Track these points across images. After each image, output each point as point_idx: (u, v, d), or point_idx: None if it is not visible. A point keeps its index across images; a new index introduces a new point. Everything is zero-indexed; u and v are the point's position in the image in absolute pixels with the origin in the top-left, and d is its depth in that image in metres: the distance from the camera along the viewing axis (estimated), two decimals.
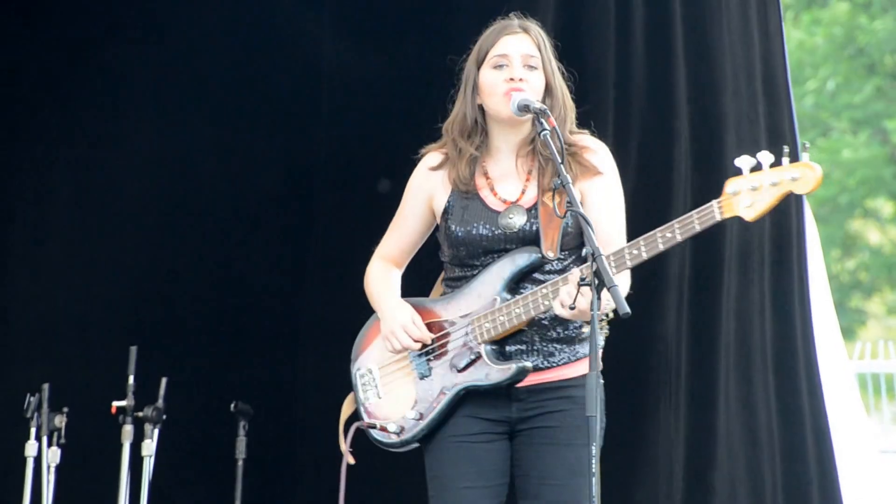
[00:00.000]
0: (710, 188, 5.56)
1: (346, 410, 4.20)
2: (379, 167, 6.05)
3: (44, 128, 6.28)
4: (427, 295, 4.16)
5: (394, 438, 4.01)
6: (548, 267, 3.89)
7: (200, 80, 6.28)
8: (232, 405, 5.56)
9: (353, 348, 4.15)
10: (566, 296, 3.68)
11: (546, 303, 3.78)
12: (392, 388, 4.05)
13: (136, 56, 6.27)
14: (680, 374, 5.55)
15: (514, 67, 3.95)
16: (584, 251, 3.62)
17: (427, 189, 4.07)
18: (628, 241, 3.91)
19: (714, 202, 3.64)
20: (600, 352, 3.90)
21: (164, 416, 5.37)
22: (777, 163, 3.58)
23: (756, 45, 5.68)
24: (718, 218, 3.65)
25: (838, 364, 7.78)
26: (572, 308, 3.66)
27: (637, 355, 5.51)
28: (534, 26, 4.04)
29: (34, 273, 6.25)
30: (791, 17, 19.09)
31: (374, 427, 4.04)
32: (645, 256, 3.69)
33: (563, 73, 4.03)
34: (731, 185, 3.64)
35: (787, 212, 5.64)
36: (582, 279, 3.60)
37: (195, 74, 6.27)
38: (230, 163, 6.32)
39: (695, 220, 3.65)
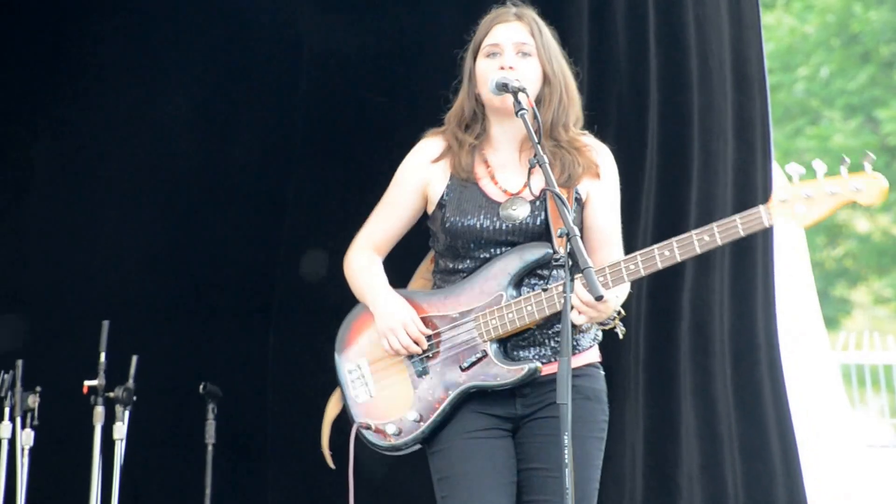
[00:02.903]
0: (674, 176, 5.59)
1: (331, 410, 4.10)
2: (357, 142, 6.01)
3: (11, 100, 6.21)
4: (405, 282, 4.11)
5: (391, 441, 3.93)
6: (552, 263, 3.86)
7: (177, 51, 6.23)
8: (200, 387, 5.48)
9: (336, 340, 4.06)
10: (579, 304, 3.69)
11: (562, 301, 3.69)
12: (385, 386, 3.97)
13: (113, 26, 6.22)
14: (639, 363, 5.52)
15: (506, 55, 3.92)
16: (558, 231, 3.55)
17: (422, 177, 4.01)
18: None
19: (761, 207, 3.64)
20: (596, 346, 3.98)
21: (135, 397, 5.29)
22: (834, 172, 3.61)
23: (726, 35, 5.67)
24: (766, 224, 3.64)
25: (821, 355, 7.79)
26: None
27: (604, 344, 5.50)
28: (528, 13, 4.01)
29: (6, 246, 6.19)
30: (783, 3, 19.14)
31: (369, 428, 3.95)
32: (678, 258, 3.70)
33: (568, 62, 4.01)
34: (781, 192, 3.63)
35: (751, 203, 5.64)
36: (555, 258, 3.63)
37: (171, 46, 6.22)
38: (206, 135, 6.27)
39: (738, 225, 3.65)
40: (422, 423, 3.89)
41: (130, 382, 5.26)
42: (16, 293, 6.12)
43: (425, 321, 3.93)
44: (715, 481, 5.48)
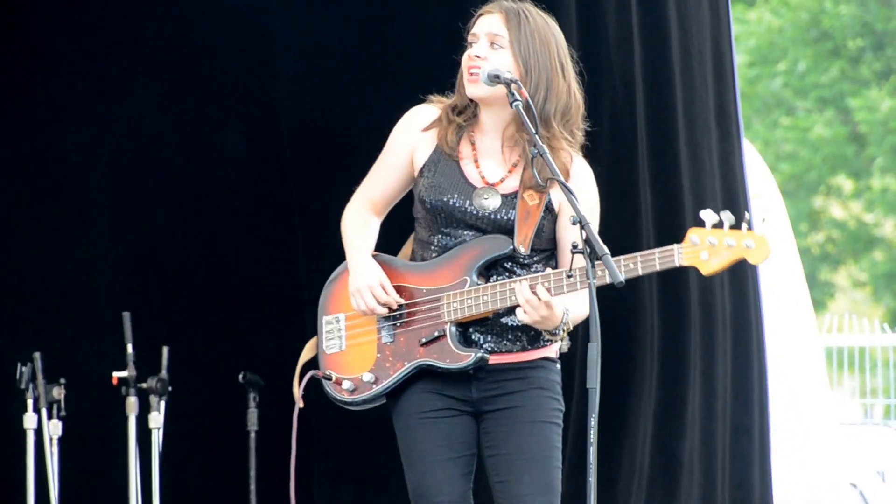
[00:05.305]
0: (665, 168, 5.69)
1: (305, 354, 4.20)
2: (344, 127, 6.09)
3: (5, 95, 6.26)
4: (399, 246, 4.16)
5: (345, 396, 4.04)
6: (518, 261, 3.93)
7: (146, 44, 6.27)
8: (240, 376, 5.55)
9: (321, 293, 4.14)
10: (523, 301, 3.78)
11: (513, 297, 3.83)
12: (355, 343, 4.05)
13: (83, 25, 6.25)
14: (654, 350, 5.65)
15: (476, 45, 3.95)
16: (571, 220, 3.61)
17: (411, 142, 4.05)
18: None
19: (676, 247, 3.74)
20: (556, 344, 3.99)
21: (170, 388, 5.36)
22: (737, 225, 3.71)
23: (706, 27, 5.74)
24: (677, 264, 3.75)
25: (807, 338, 7.97)
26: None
27: (622, 327, 5.58)
28: (514, 6, 3.98)
29: (15, 239, 6.23)
30: (763, 0, 19.39)
31: (329, 378, 4.05)
32: (607, 280, 3.72)
33: (561, 63, 3.98)
34: (693, 234, 3.75)
35: (734, 191, 5.73)
36: (574, 246, 3.68)
37: (141, 38, 6.27)
38: (187, 129, 6.30)
39: (656, 260, 3.76)
40: (374, 386, 4.00)
41: (164, 373, 5.34)
42: (25, 291, 6.19)
43: (401, 291, 3.99)
44: (709, 456, 5.65)
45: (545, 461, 3.92)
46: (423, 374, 3.98)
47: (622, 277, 3.60)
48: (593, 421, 3.56)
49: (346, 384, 4.03)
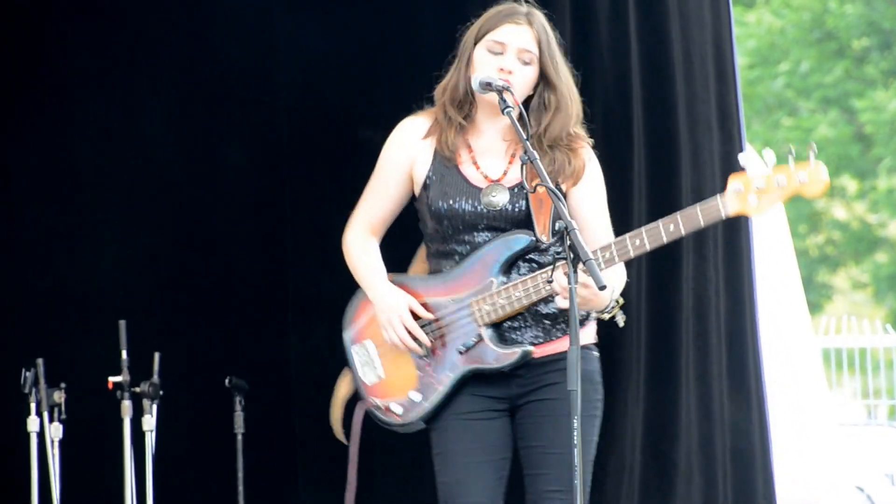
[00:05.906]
0: (663, 169, 5.68)
1: (342, 389, 4.25)
2: (342, 135, 6.13)
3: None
4: (406, 265, 4.22)
5: (398, 419, 4.10)
6: (538, 248, 3.99)
7: (150, 56, 6.31)
8: (227, 380, 5.62)
9: (343, 323, 4.19)
10: (561, 290, 3.80)
11: (548, 287, 3.87)
12: (392, 366, 4.10)
13: (85, 31, 6.28)
14: (640, 348, 5.65)
15: (507, 58, 3.99)
16: (556, 225, 3.66)
17: (408, 155, 4.09)
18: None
19: (718, 197, 3.74)
20: (591, 328, 4.06)
21: (161, 392, 5.47)
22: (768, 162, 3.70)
23: (708, 27, 5.74)
24: (723, 215, 3.75)
25: (804, 340, 8.01)
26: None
27: (606, 327, 5.63)
28: (538, 19, 4.05)
29: (20, 251, 6.29)
30: (763, 1, 19.38)
31: (378, 408, 4.11)
32: (648, 248, 3.80)
33: (567, 65, 4.07)
34: (735, 181, 3.73)
35: None
36: (557, 253, 3.75)
37: (144, 51, 6.30)
38: (189, 137, 6.34)
39: (699, 215, 3.76)
40: (424, 403, 4.04)
41: (155, 378, 5.45)
42: (29, 300, 6.25)
43: (423, 307, 4.04)
44: (709, 459, 5.67)
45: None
46: (466, 380, 4.03)
47: (604, 282, 3.62)
48: (576, 423, 3.60)
49: (396, 407, 4.09)
